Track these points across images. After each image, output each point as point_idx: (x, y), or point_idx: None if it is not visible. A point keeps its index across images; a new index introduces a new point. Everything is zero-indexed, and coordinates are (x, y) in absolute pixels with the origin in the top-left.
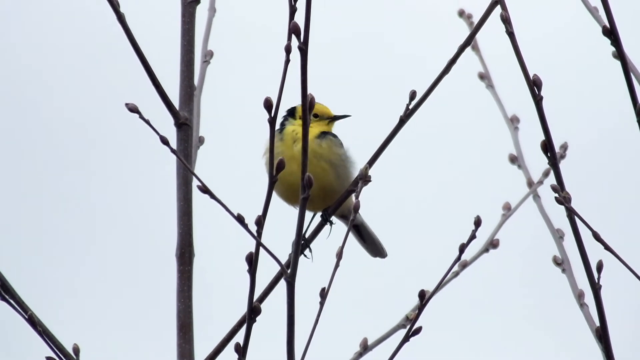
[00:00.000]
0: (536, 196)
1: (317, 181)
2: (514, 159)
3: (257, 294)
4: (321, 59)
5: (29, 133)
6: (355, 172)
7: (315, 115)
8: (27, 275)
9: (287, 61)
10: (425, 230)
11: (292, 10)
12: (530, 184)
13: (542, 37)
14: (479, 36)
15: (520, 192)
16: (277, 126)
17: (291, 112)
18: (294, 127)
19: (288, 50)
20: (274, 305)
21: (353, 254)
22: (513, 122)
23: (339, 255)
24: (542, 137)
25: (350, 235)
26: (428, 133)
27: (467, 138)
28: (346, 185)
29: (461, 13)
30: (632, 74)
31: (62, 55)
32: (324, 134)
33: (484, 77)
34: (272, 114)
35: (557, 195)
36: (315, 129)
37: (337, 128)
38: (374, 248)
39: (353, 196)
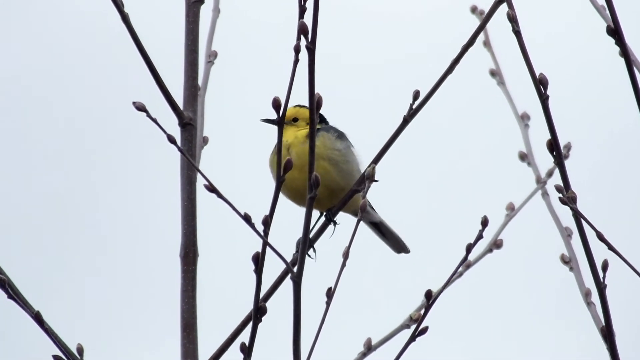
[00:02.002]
0: (545, 194)
1: (321, 182)
2: (523, 157)
3: (262, 293)
4: (326, 59)
5: (33, 133)
6: (360, 164)
7: (295, 119)
8: (31, 275)
9: (296, 61)
10: (432, 230)
11: (302, 10)
12: (539, 181)
13: (550, 36)
14: (491, 32)
15: (530, 190)
16: None
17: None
18: (284, 138)
19: (297, 50)
20: (279, 305)
21: (360, 254)
22: (523, 119)
23: (346, 255)
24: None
25: (362, 235)
26: (438, 129)
27: (477, 135)
28: (352, 180)
29: (474, 9)
30: (636, 73)
31: (66, 55)
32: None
33: (495, 74)
34: (281, 114)
35: (561, 195)
36: (302, 131)
37: (339, 127)
38: (396, 244)
39: (360, 196)
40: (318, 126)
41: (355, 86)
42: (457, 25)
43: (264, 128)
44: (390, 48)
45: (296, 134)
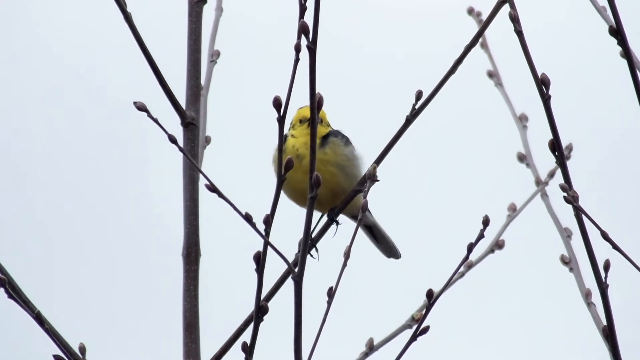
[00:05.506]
0: (544, 195)
1: (327, 185)
2: (522, 158)
3: (264, 293)
4: (328, 58)
5: (35, 132)
6: (363, 167)
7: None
8: (33, 274)
9: (297, 60)
10: (432, 230)
11: (302, 9)
12: (538, 182)
13: (551, 36)
14: (488, 34)
15: (529, 190)
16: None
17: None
18: (294, 140)
19: (298, 49)
20: (281, 305)
21: (360, 254)
22: (522, 120)
23: (347, 255)
24: (551, 136)
25: (363, 235)
26: (436, 131)
27: (475, 136)
28: (356, 182)
29: (470, 11)
30: (638, 74)
31: (68, 55)
32: (324, 139)
33: (492, 75)
34: (282, 113)
35: (565, 194)
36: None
37: (341, 127)
38: (388, 248)
39: (361, 195)
40: (327, 130)
41: (357, 86)
42: (456, 25)
43: (267, 127)
44: (392, 48)
45: (307, 143)
